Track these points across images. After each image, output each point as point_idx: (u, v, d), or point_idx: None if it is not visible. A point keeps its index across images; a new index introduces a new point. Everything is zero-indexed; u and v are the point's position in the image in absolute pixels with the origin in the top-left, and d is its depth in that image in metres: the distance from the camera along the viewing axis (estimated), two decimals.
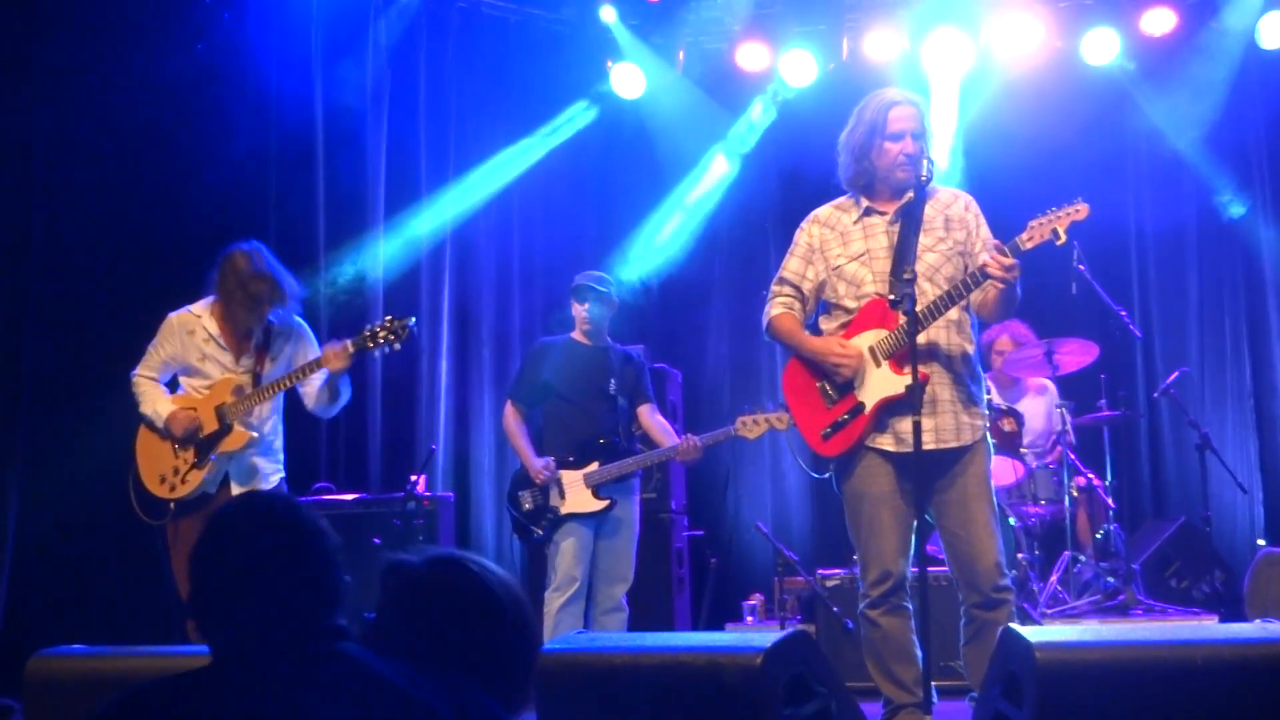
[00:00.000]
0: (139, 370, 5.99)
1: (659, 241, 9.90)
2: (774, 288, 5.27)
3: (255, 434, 5.84)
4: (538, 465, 6.64)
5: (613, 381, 6.80)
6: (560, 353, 6.87)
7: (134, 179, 8.23)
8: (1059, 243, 4.69)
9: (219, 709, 2.03)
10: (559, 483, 6.63)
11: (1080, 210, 4.69)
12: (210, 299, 5.99)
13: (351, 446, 8.92)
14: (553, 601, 6.52)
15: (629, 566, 6.72)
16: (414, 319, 5.87)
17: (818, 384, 5.10)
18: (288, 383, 5.85)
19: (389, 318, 5.82)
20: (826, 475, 5.17)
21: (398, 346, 5.83)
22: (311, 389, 5.99)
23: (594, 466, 6.64)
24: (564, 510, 6.61)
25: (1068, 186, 8.65)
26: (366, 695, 2.07)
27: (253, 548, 2.24)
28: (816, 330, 5.23)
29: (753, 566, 9.65)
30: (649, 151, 9.90)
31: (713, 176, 9.98)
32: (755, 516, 9.48)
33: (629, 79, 9.52)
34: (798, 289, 5.20)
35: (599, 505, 6.61)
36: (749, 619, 8.29)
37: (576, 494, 6.62)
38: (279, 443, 6.06)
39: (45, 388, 8.01)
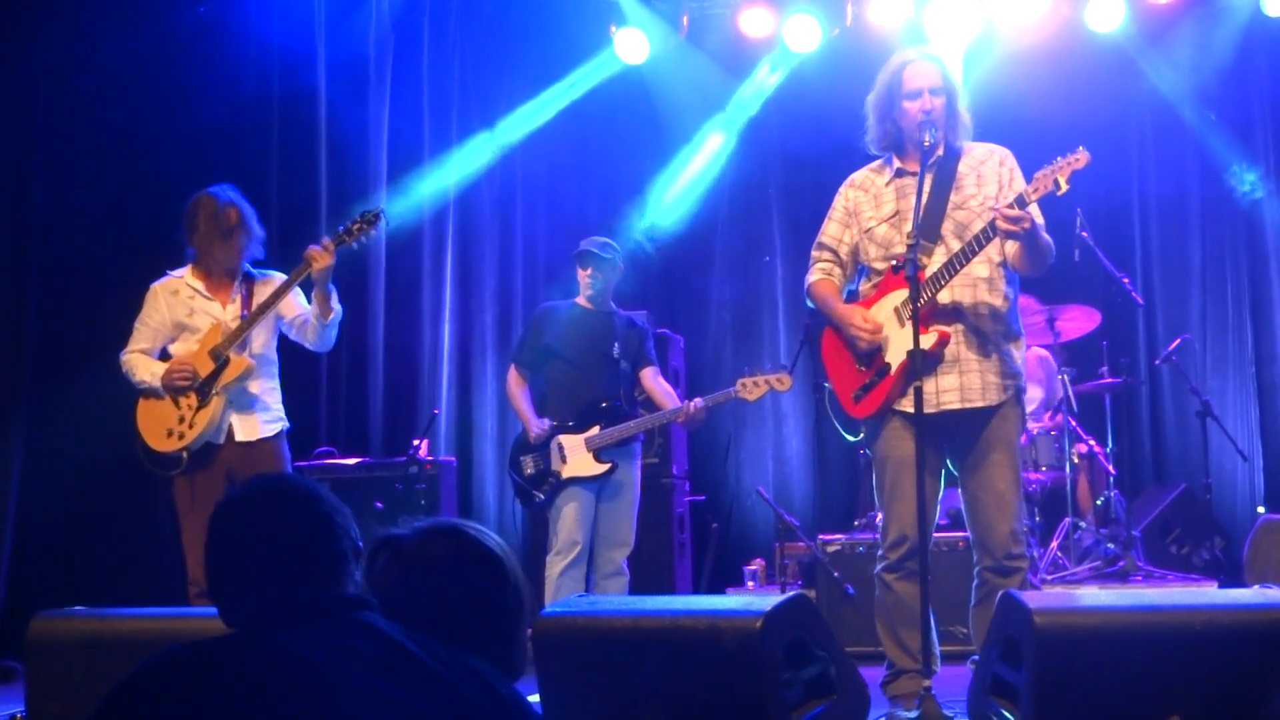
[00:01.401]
0: (128, 348, 5.94)
1: (662, 207, 9.88)
2: (814, 253, 5.27)
3: (252, 360, 5.81)
4: (536, 425, 6.65)
5: (616, 345, 6.79)
6: (564, 317, 6.86)
7: (136, 142, 8.23)
8: (1060, 192, 4.69)
9: (246, 673, 2.04)
10: (560, 447, 6.63)
11: (1080, 158, 4.69)
12: (188, 265, 6.00)
13: (353, 411, 8.94)
14: (554, 566, 6.53)
15: (630, 531, 6.73)
16: (383, 206, 5.91)
17: (849, 347, 5.12)
18: (273, 303, 5.81)
19: (361, 212, 5.86)
20: (860, 437, 5.20)
21: (374, 234, 5.90)
22: (302, 320, 5.96)
23: (595, 430, 6.63)
24: (565, 474, 6.61)
25: (1070, 152, 8.69)
26: (392, 664, 2.09)
27: (251, 531, 2.31)
28: (858, 294, 5.24)
29: (754, 531, 9.67)
30: (653, 117, 9.86)
31: (716, 142, 9.95)
32: (756, 482, 9.50)
33: (633, 44, 9.47)
34: (835, 253, 5.21)
35: (600, 469, 6.61)
36: (750, 584, 8.31)
37: (578, 458, 6.62)
38: (277, 391, 6.02)
39: (48, 351, 8.03)
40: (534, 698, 4.16)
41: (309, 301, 5.95)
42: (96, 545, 7.89)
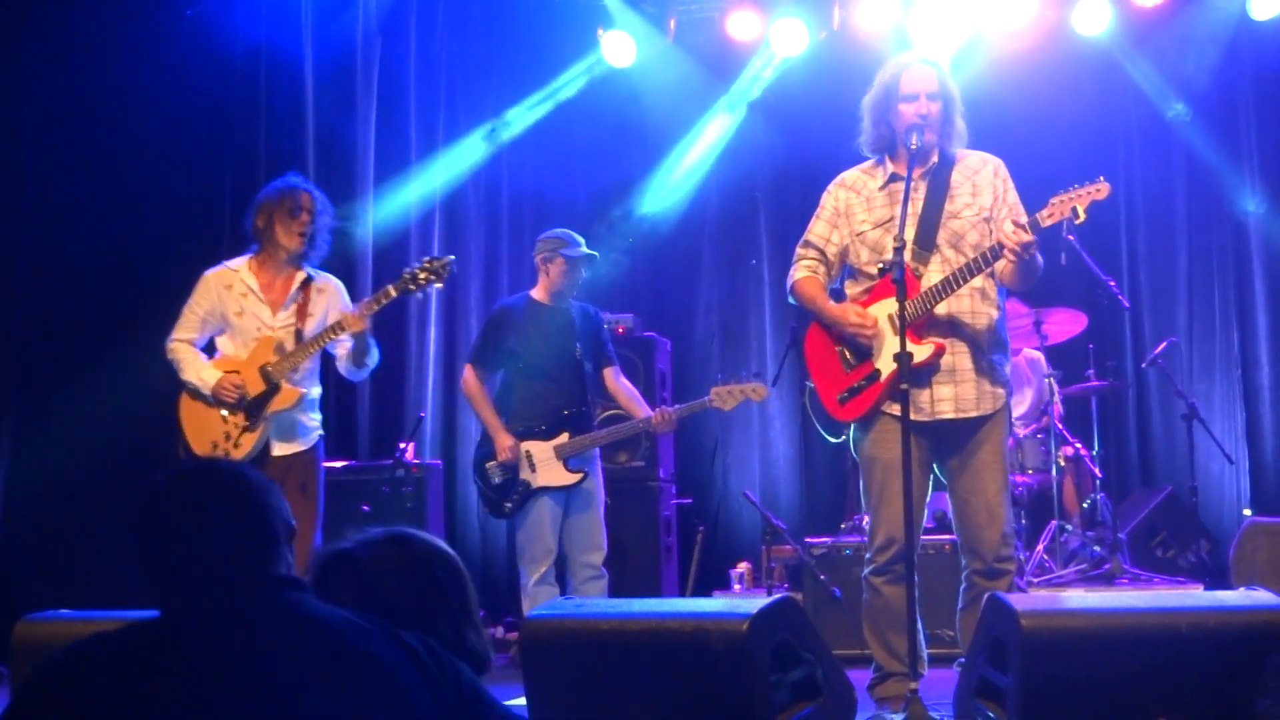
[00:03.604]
0: (175, 335, 5.86)
1: (648, 210, 9.87)
2: (799, 250, 5.27)
3: (303, 390, 5.77)
4: (505, 444, 6.52)
5: (579, 346, 6.69)
6: (524, 316, 6.73)
7: (124, 145, 8.21)
8: (1078, 221, 4.71)
9: (166, 657, 2.07)
10: (528, 455, 6.53)
11: (1101, 189, 4.71)
12: (247, 255, 5.92)
13: (340, 414, 8.91)
14: (530, 575, 6.47)
15: (602, 534, 6.64)
16: (453, 257, 5.87)
17: (837, 349, 5.11)
18: (322, 341, 5.75)
19: (428, 258, 5.80)
20: (841, 439, 5.21)
21: (439, 285, 5.82)
22: (343, 350, 5.91)
23: (564, 438, 6.54)
24: (536, 484, 6.51)
25: (1058, 157, 8.70)
26: (310, 641, 2.11)
27: (178, 516, 2.28)
28: (842, 295, 5.24)
29: (740, 535, 9.66)
30: (640, 119, 9.87)
31: (703, 145, 9.95)
32: (743, 485, 9.50)
33: (620, 47, 9.47)
34: (822, 253, 5.20)
35: (572, 479, 6.52)
36: (736, 587, 8.30)
37: (548, 467, 6.52)
38: (317, 402, 5.98)
39: (35, 353, 8.00)
40: (520, 700, 4.16)
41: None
42: (82, 548, 7.85)
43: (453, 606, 2.55)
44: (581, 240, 6.86)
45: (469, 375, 6.78)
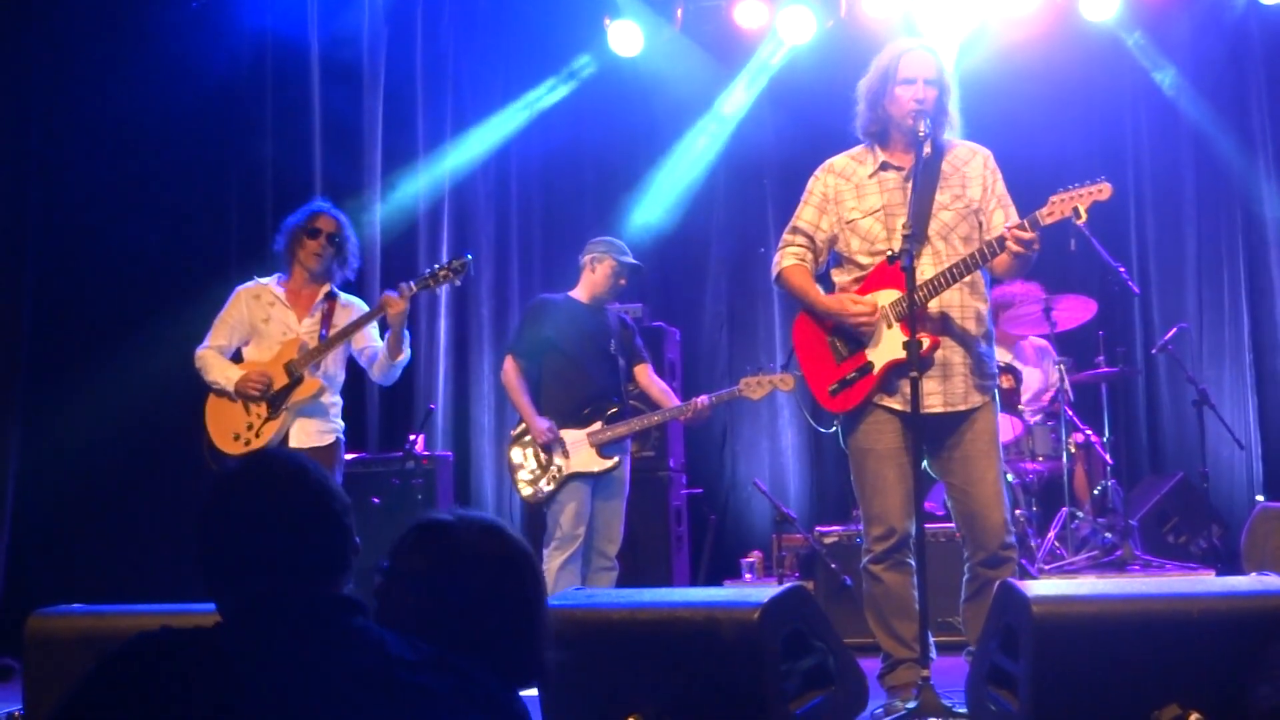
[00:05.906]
0: (204, 344, 6.06)
1: (656, 199, 9.86)
2: (786, 236, 5.18)
3: (324, 384, 5.99)
4: (541, 426, 6.65)
5: (612, 341, 6.85)
6: (561, 310, 6.87)
7: (130, 137, 8.22)
8: (1079, 221, 4.66)
9: (225, 671, 1.99)
10: (562, 441, 6.65)
11: (1103, 190, 4.66)
12: (276, 275, 6.16)
13: (350, 406, 8.87)
14: (554, 559, 6.56)
15: (620, 525, 6.79)
16: (470, 255, 6.20)
17: (828, 339, 5.05)
18: (351, 332, 5.99)
19: (451, 259, 6.05)
20: (831, 429, 5.17)
21: (458, 283, 6.07)
22: (370, 353, 6.14)
23: (597, 425, 6.67)
24: (569, 469, 6.64)
25: (1066, 143, 8.67)
26: (373, 680, 2.03)
27: (260, 509, 2.17)
28: (828, 282, 5.20)
29: (751, 524, 9.67)
30: (647, 109, 9.86)
31: (710, 134, 9.94)
32: (753, 474, 9.50)
33: (627, 36, 9.46)
34: (811, 239, 5.12)
35: (606, 464, 6.65)
36: (747, 576, 8.32)
37: (582, 453, 6.64)
38: (339, 404, 6.19)
39: (45, 346, 8.02)
40: (532, 691, 4.16)
41: (381, 336, 6.11)
42: (94, 542, 7.88)
43: (536, 614, 2.51)
44: (622, 245, 6.98)
45: (509, 365, 6.92)
